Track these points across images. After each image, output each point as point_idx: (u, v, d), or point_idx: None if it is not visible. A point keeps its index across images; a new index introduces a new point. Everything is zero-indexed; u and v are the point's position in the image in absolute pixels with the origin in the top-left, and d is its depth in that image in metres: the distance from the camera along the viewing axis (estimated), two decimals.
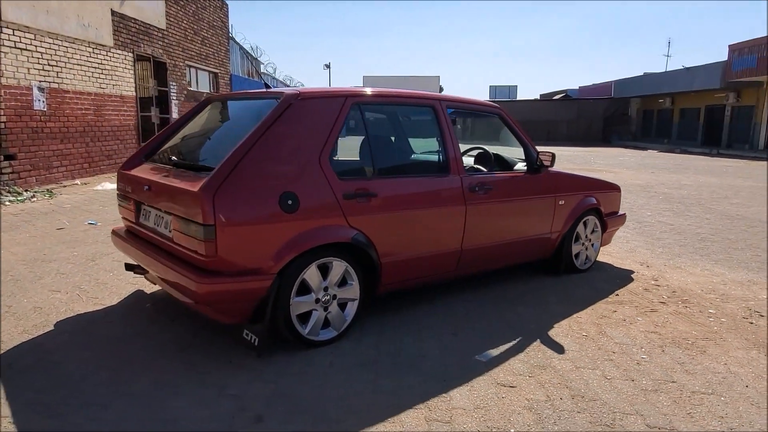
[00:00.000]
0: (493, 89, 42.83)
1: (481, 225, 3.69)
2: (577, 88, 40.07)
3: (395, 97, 3.52)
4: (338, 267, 3.02)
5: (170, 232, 2.95)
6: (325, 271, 2.99)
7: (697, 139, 29.95)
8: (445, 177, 3.54)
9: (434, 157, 3.61)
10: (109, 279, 4.18)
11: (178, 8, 13.54)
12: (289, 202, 2.82)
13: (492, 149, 4.40)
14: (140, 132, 11.79)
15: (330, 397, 2.49)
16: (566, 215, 4.36)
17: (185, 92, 14.12)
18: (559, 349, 3.06)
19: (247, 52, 20.35)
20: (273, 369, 2.76)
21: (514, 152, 4.43)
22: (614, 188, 4.92)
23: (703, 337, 3.28)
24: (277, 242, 2.79)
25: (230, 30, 16.98)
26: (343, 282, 3.08)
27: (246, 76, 19.50)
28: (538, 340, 3.18)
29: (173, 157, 3.20)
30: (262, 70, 22.41)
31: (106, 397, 2.46)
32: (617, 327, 3.41)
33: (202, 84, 15.34)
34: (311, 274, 2.92)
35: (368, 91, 3.35)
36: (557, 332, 3.30)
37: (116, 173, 3.63)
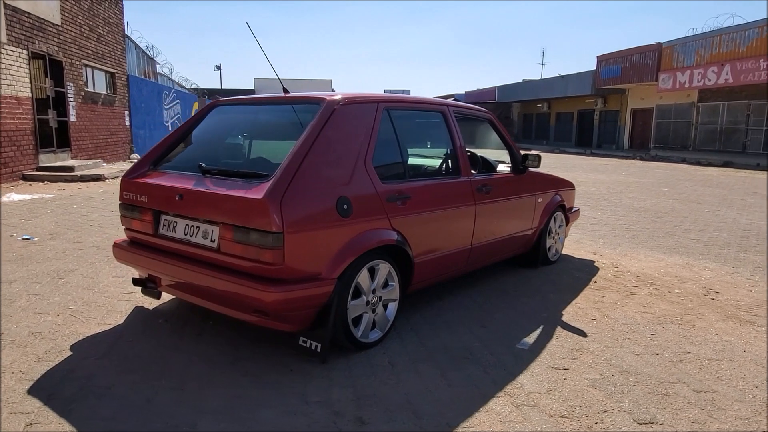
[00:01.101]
0: (388, 92, 43.85)
1: (486, 223, 3.94)
2: (464, 92, 42.36)
3: (414, 103, 3.66)
4: (384, 269, 3.10)
5: (213, 242, 2.84)
6: (372, 274, 3.05)
7: (572, 140, 32.98)
8: (459, 178, 3.74)
9: (449, 160, 3.79)
10: (94, 297, 3.85)
11: (73, 2, 12.42)
12: (345, 206, 2.85)
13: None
14: (37, 137, 10.68)
15: (414, 394, 2.57)
16: (542, 212, 4.75)
17: (83, 93, 12.97)
18: (581, 332, 3.37)
19: (144, 52, 19.04)
20: (339, 374, 2.77)
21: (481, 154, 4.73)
22: (571, 186, 5.42)
23: (686, 314, 3.77)
24: (336, 247, 2.82)
25: (126, 27, 15.84)
26: (385, 284, 3.16)
27: (143, 77, 18.24)
28: (558, 326, 3.48)
29: (202, 164, 3.06)
30: (158, 71, 21.08)
31: (187, 416, 2.35)
32: (614, 310, 3.82)
33: (98, 85, 14.15)
34: (363, 278, 2.98)
35: (393, 97, 3.46)
36: (569, 318, 3.63)
37: (120, 181, 3.39)
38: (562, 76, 31.13)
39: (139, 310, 3.62)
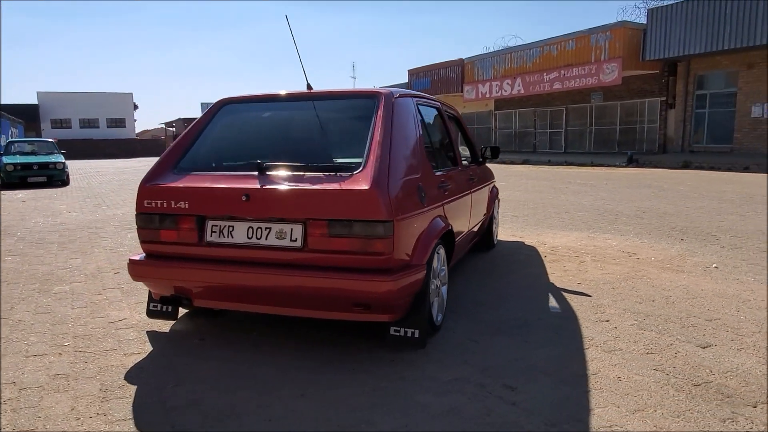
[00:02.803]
0: (205, 106, 41.73)
1: (474, 208, 4.30)
2: None
3: (423, 98, 3.84)
4: (441, 253, 3.25)
5: (295, 240, 2.71)
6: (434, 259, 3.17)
7: None
8: (460, 168, 4.03)
9: (450, 152, 4.05)
10: (81, 330, 3.29)
11: None
12: (423, 194, 2.96)
13: None
14: None
15: (523, 359, 2.79)
16: (490, 199, 5.27)
17: None
18: (584, 294, 3.90)
19: None
20: (439, 355, 2.87)
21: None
22: (494, 177, 6.06)
23: (635, 271, 4.56)
24: (421, 233, 2.91)
25: None
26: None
27: None
28: (562, 292, 3.96)
29: (262, 162, 2.85)
30: None
31: (351, 414, 2.26)
32: (584, 274, 4.45)
33: None
34: (434, 263, 3.09)
35: (413, 92, 3.62)
36: (561, 284, 4.14)
37: (140, 189, 2.97)
38: None
39: (157, 335, 3.20)
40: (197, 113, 42.74)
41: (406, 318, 2.85)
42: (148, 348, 3.02)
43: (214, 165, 3.08)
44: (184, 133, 3.30)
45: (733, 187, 11.03)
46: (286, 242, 2.74)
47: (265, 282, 2.76)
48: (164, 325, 3.34)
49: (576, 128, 24.92)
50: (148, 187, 2.97)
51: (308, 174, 2.80)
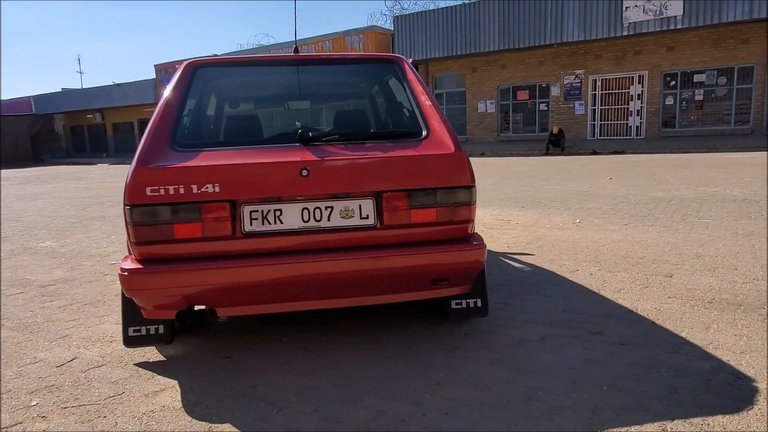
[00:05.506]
0: None
1: None
2: None
3: None
4: None
5: (367, 217, 2.40)
6: None
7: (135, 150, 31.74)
8: None
9: None
10: (28, 383, 2.31)
11: None
12: None
13: None
14: None
15: (574, 310, 2.97)
16: None
17: None
18: (529, 254, 4.25)
19: None
20: (497, 321, 2.86)
21: None
22: None
23: (532, 232, 5.13)
24: None
25: None
26: None
27: None
28: (509, 254, 4.25)
29: (308, 132, 2.38)
30: None
31: (519, 386, 2.10)
32: (499, 240, 4.83)
33: None
34: None
35: None
36: (499, 249, 4.44)
37: (138, 173, 2.21)
38: (119, 85, 29.45)
39: (159, 366, 2.46)
40: None
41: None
42: (167, 381, 2.28)
43: (232, 139, 2.48)
44: (161, 105, 2.56)
45: (493, 168, 12.99)
46: (355, 221, 2.38)
47: (336, 269, 2.35)
48: (147, 353, 2.56)
49: None
50: (151, 170, 2.24)
51: (369, 142, 2.47)
